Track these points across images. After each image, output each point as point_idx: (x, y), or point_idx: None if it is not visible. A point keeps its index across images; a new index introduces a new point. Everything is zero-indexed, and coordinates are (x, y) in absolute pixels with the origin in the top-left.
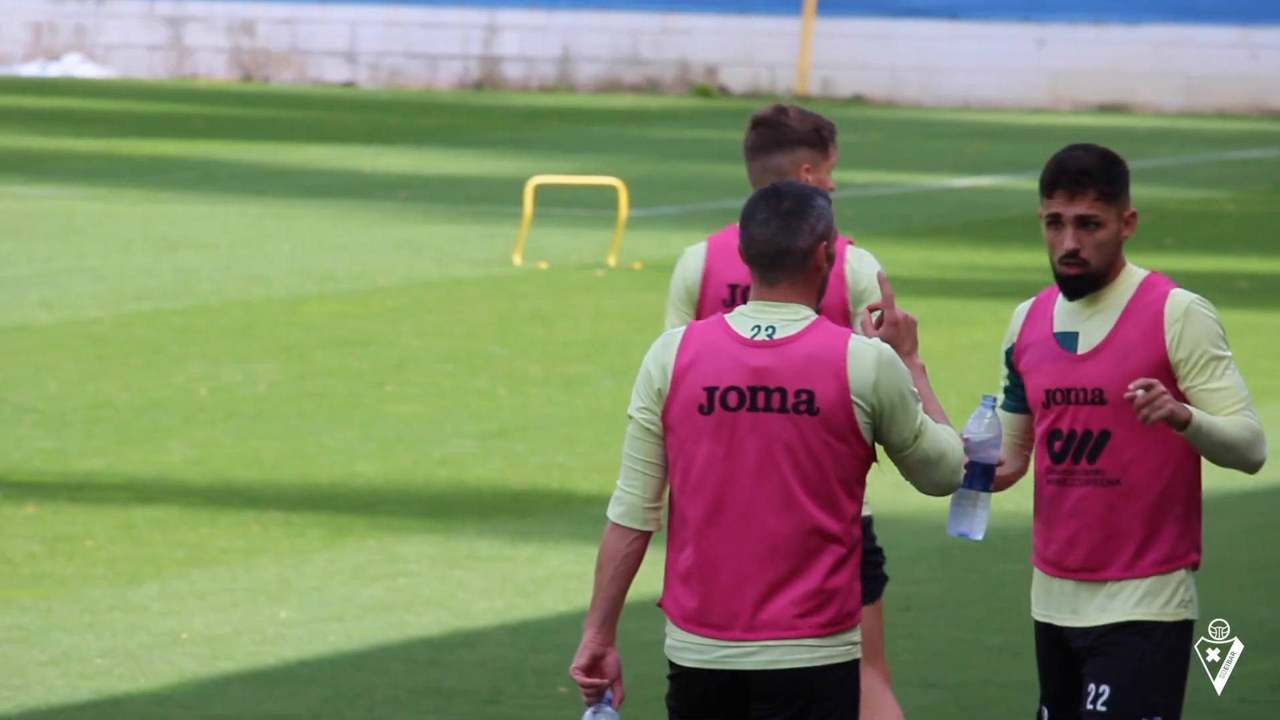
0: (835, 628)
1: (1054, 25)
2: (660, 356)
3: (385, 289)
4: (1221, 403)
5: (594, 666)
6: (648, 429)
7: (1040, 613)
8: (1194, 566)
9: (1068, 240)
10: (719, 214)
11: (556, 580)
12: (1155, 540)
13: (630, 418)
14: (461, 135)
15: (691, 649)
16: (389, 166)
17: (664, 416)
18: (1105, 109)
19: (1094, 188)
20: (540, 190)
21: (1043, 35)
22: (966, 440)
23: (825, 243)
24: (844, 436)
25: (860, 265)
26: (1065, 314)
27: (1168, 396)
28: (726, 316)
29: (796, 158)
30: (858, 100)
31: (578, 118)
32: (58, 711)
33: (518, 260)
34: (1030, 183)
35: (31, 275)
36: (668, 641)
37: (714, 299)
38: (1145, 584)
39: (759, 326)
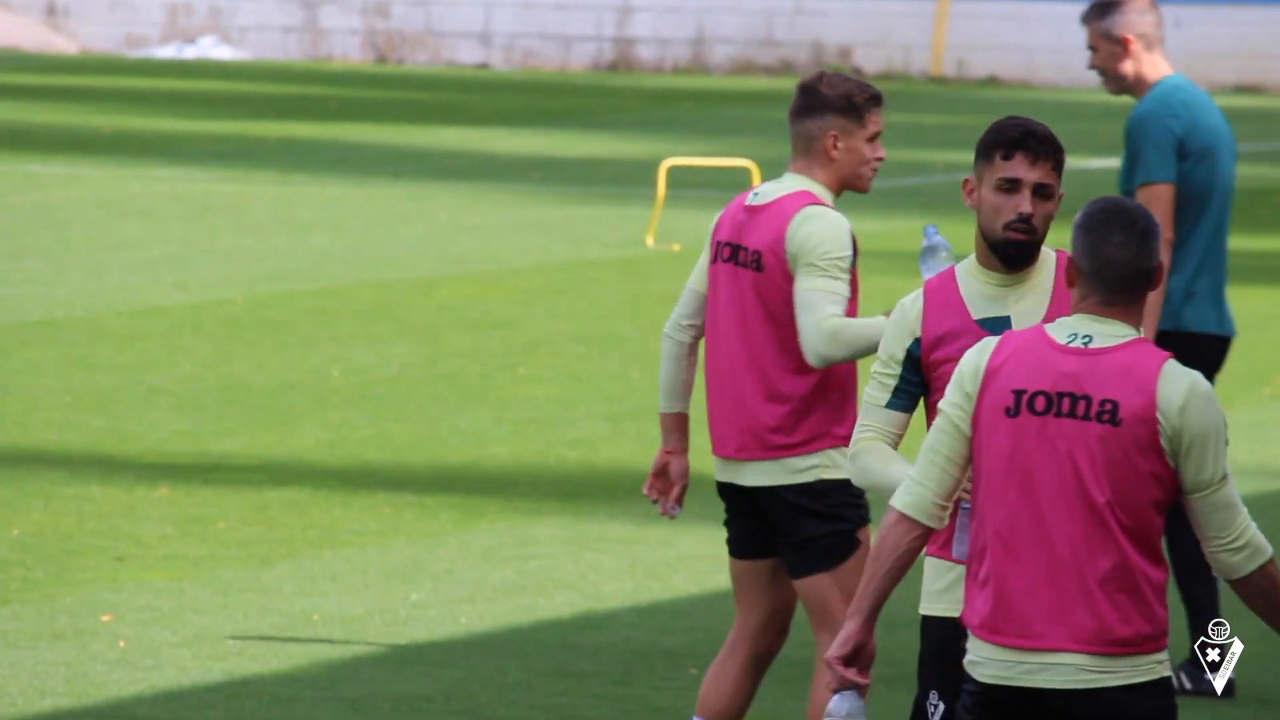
0: (1131, 649)
1: (1190, 6)
2: (975, 358)
3: (518, 271)
4: None
5: (855, 656)
6: (957, 425)
7: (944, 609)
8: None
9: (1024, 203)
10: (850, 196)
11: (687, 562)
12: None
13: (940, 411)
14: (594, 117)
15: (988, 664)
16: (522, 148)
17: (974, 419)
18: (1241, 90)
19: (1053, 157)
20: (673, 172)
21: (1179, 16)
22: None
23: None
24: (1145, 453)
25: (803, 225)
26: (982, 300)
27: None
28: (1045, 325)
29: (825, 124)
30: (992, 81)
31: (711, 99)
32: (189, 693)
33: (650, 242)
34: None
35: (166, 257)
36: (968, 656)
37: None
38: None
39: (1076, 334)
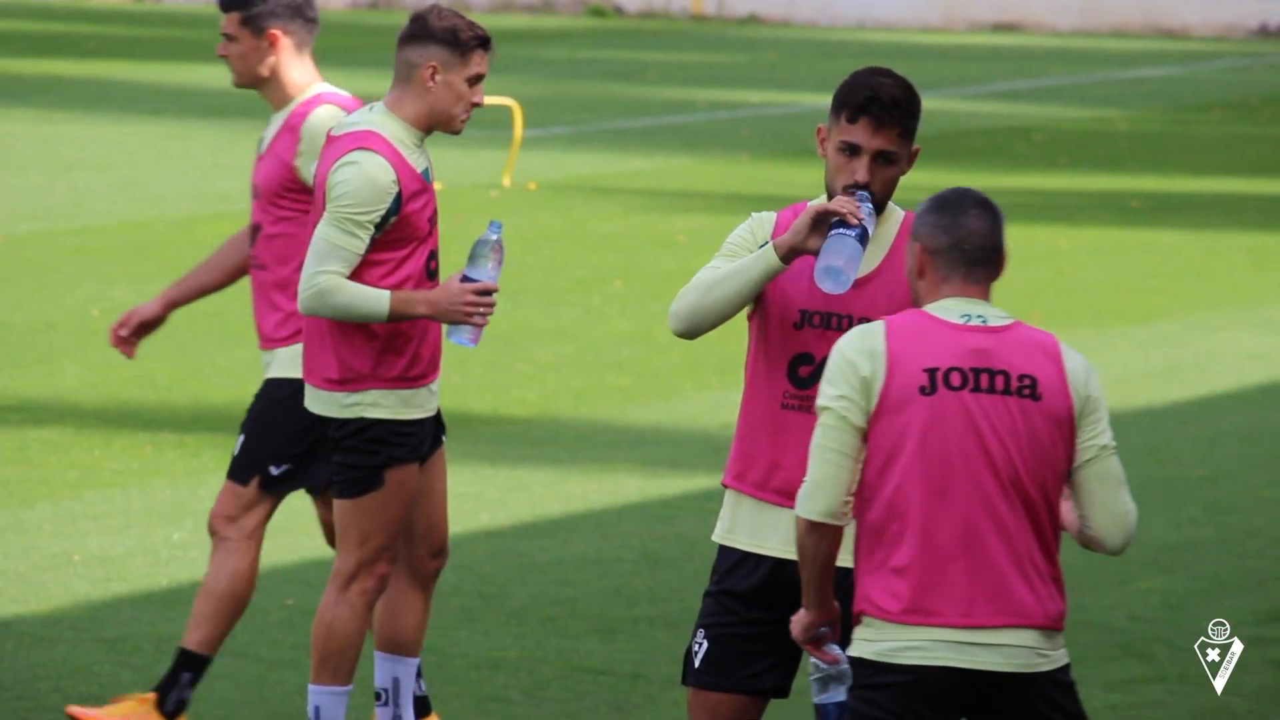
0: (1058, 626)
1: None
2: (863, 344)
3: None
4: None
5: (819, 637)
6: (845, 418)
7: (751, 543)
8: None
9: (861, 171)
10: (613, 135)
11: (452, 501)
12: None
13: (825, 409)
14: (356, 55)
15: (926, 647)
16: None
17: (879, 403)
18: (999, 28)
19: (900, 123)
20: None
21: None
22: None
23: None
24: (1062, 427)
25: (339, 170)
26: None
27: None
28: (927, 308)
29: (427, 54)
30: (753, 20)
31: None
32: None
33: None
34: (925, 101)
35: None
36: (875, 645)
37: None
38: None
39: (969, 315)
